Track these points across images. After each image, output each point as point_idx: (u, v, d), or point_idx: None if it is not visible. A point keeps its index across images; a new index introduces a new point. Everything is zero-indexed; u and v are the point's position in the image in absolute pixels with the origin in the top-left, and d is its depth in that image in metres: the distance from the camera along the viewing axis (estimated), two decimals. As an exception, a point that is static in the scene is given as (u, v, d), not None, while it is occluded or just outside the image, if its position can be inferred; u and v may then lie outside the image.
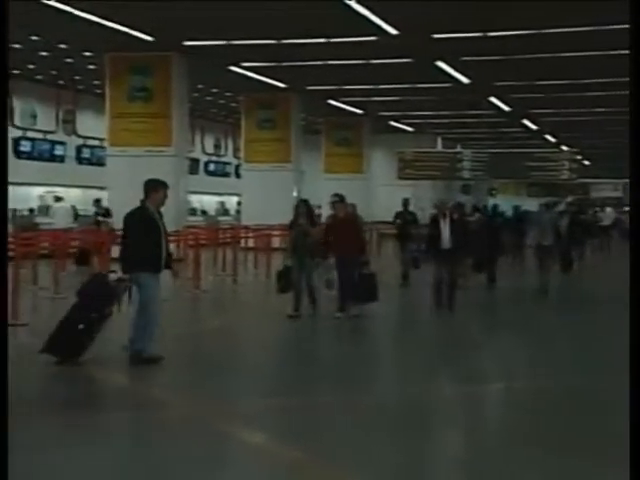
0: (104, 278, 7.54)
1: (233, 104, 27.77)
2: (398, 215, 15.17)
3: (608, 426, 5.57)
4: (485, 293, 13.92)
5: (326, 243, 10.40)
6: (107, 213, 18.69)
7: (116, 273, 7.49)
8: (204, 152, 34.88)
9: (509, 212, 22.00)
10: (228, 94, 26.54)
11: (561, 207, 23.37)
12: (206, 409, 5.94)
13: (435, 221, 11.14)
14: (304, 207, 10.52)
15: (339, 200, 10.63)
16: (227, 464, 4.77)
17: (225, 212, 34.99)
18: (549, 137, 34.77)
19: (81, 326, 7.22)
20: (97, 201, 20.43)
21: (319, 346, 9.10)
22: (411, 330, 10.19)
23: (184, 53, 18.16)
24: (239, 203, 29.70)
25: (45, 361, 7.17)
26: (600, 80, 20.77)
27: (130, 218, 7.40)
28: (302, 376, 7.21)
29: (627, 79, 18.82)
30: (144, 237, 7.23)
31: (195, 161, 32.14)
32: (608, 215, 31.05)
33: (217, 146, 36.26)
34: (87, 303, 7.32)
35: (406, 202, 15.31)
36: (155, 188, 7.46)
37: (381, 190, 31.51)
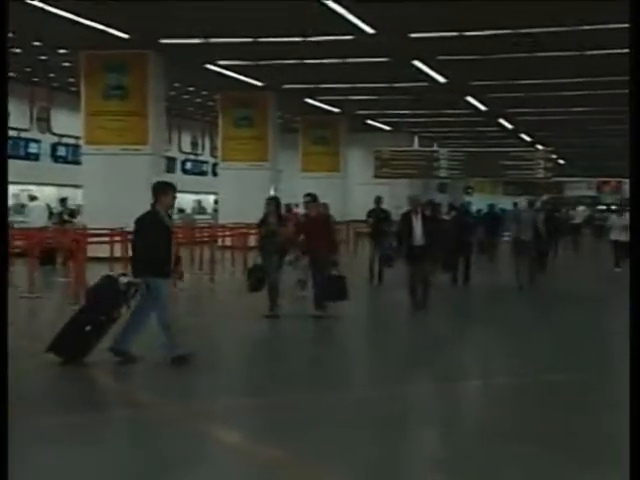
0: (114, 281, 7.47)
1: (210, 102, 27.67)
2: (371, 213, 14.98)
3: (589, 425, 5.61)
4: (458, 291, 13.90)
5: (298, 243, 10.34)
6: (72, 214, 18.51)
7: (126, 276, 7.47)
8: (181, 151, 34.74)
9: (487, 210, 22.16)
10: (205, 92, 26.45)
11: (537, 205, 23.53)
12: (182, 409, 5.91)
13: (407, 217, 10.91)
14: (274, 205, 10.42)
15: (311, 199, 10.54)
16: (204, 464, 4.75)
17: (202, 211, 34.86)
18: (524, 136, 35.02)
19: (89, 328, 7.22)
20: (62, 200, 20.27)
21: (294, 345, 9.07)
22: (387, 329, 10.17)
23: (160, 51, 18.06)
24: (216, 202, 29.63)
25: (50, 361, 7.17)
26: (575, 80, 20.94)
27: (141, 222, 7.37)
28: (277, 375, 7.20)
29: (601, 78, 18.83)
30: (155, 241, 7.21)
31: (172, 160, 32.00)
32: (580, 213, 31.37)
33: (194, 144, 36.12)
34: (96, 305, 7.31)
35: (379, 200, 15.10)
36: (165, 191, 7.41)
37: (358, 189, 31.56)
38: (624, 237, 16.51)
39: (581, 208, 29.99)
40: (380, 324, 10.85)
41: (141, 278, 7.24)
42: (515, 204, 24.75)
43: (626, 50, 17.28)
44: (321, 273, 10.15)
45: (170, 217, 7.52)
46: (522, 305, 12.69)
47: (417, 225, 10.82)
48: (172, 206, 7.56)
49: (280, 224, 10.37)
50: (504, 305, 12.71)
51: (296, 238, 10.41)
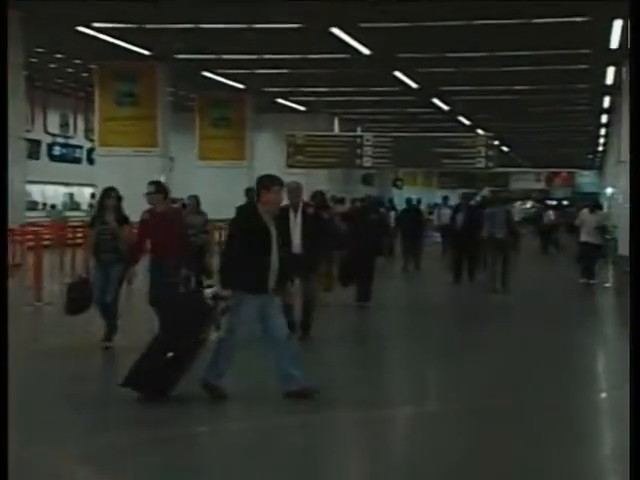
0: (199, 294, 7.20)
1: (84, 74, 27.12)
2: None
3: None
4: (354, 314, 12.90)
5: (137, 245, 9.45)
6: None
7: (213, 288, 7.14)
8: (47, 132, 33.85)
9: (405, 207, 22.36)
10: (77, 61, 25.87)
11: (476, 200, 23.98)
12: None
13: (283, 216, 9.34)
14: (114, 199, 9.58)
15: (154, 190, 9.59)
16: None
17: (75, 206, 34.15)
18: (463, 119, 35.61)
19: (170, 354, 6.88)
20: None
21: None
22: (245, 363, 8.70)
23: (18, 8, 17.53)
24: (93, 195, 29.14)
25: (126, 396, 6.89)
26: (520, 53, 21.35)
27: (236, 224, 7.23)
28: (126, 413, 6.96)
29: (550, 51, 19.18)
30: (251, 249, 6.95)
31: (35, 143, 31.30)
32: (516, 210, 31.85)
33: (64, 125, 35.22)
34: (176, 325, 7.01)
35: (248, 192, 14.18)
36: (268, 186, 7.15)
37: (267, 181, 31.38)
38: (595, 239, 16.45)
39: (518, 203, 30.48)
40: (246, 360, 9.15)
41: (230, 291, 6.93)
42: (445, 198, 25.23)
43: (577, 19, 17.65)
44: (171, 290, 8.97)
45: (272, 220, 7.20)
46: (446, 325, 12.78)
47: (296, 227, 9.86)
48: (279, 206, 7.43)
49: (120, 222, 9.52)
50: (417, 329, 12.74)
51: (137, 240, 9.50)
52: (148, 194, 9.57)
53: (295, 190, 9.99)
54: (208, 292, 7.12)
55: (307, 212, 10.16)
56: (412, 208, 21.79)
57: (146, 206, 9.71)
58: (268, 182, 7.21)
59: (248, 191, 13.29)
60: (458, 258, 16.98)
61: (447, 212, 20.70)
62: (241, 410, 7.02)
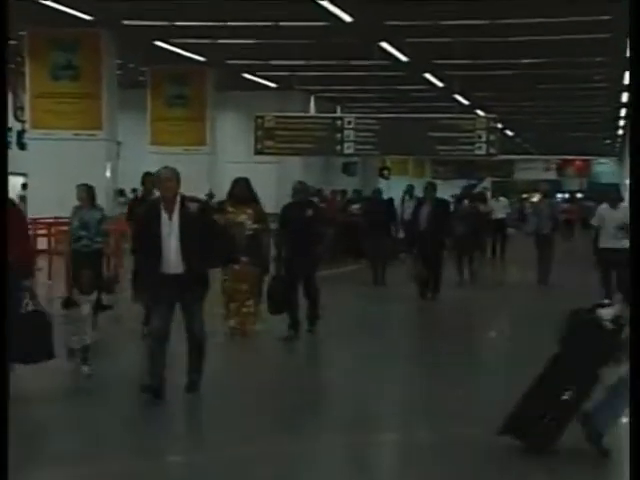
0: (597, 321, 6.73)
1: (13, 41, 26.87)
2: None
3: None
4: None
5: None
6: None
7: (611, 306, 6.82)
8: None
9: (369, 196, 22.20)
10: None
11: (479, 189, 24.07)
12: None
13: (152, 217, 8.48)
14: None
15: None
16: None
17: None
18: (460, 98, 35.57)
19: (566, 396, 6.70)
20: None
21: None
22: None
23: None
24: (24, 186, 28.93)
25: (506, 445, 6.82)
26: (527, 20, 21.34)
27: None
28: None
29: (563, 19, 19.24)
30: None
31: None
32: (500, 205, 30.89)
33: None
34: (574, 359, 6.72)
35: (210, 194, 13.44)
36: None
37: (232, 169, 31.13)
38: (619, 242, 13.46)
39: (502, 199, 30.23)
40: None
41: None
42: (409, 188, 25.53)
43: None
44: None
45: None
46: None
47: (170, 235, 8.44)
48: None
49: None
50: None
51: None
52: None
53: (166, 180, 8.51)
54: (607, 312, 6.75)
55: (189, 211, 8.48)
56: (380, 201, 20.54)
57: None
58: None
59: (146, 175, 12.83)
60: (423, 265, 16.18)
61: (411, 207, 19.27)
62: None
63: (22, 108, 28.27)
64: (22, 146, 30.10)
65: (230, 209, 11.94)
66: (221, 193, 28.11)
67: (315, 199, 25.48)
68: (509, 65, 27.91)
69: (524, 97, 35.39)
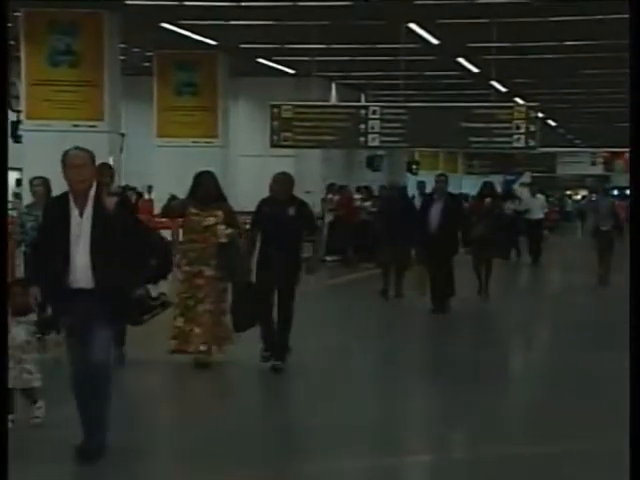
0: None
1: (8, 24, 27.06)
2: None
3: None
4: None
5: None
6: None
7: None
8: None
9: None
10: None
11: (517, 184, 24.32)
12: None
13: (60, 214, 7.49)
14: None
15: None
16: None
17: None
18: (497, 85, 35.56)
19: None
20: None
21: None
22: None
23: None
24: (19, 182, 29.09)
25: None
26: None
27: None
28: None
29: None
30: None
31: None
32: (537, 203, 30.85)
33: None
34: None
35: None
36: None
37: (246, 163, 31.43)
38: None
39: (539, 196, 30.12)
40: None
41: None
42: (420, 184, 25.51)
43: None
44: None
45: None
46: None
47: (80, 235, 7.39)
48: None
49: None
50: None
51: None
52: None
53: (76, 166, 7.35)
54: None
55: (104, 205, 7.32)
56: (398, 196, 20.53)
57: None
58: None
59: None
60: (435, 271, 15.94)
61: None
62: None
63: (17, 97, 28.37)
64: (17, 138, 30.14)
65: (193, 211, 11.09)
66: (233, 189, 28.34)
67: (329, 196, 25.56)
68: (551, 48, 27.85)
69: (568, 83, 35.31)
